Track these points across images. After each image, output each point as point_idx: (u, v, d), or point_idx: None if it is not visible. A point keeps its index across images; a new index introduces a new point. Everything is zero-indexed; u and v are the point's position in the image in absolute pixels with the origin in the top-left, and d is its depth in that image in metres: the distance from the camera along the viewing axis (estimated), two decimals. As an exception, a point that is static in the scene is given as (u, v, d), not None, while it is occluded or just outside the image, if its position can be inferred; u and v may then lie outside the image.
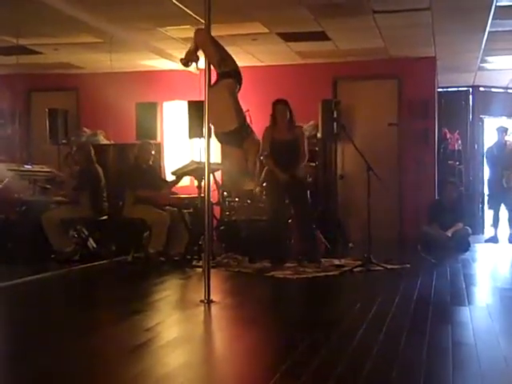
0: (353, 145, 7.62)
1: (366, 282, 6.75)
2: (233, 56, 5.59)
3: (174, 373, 3.40)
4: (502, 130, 10.96)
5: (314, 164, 9.52)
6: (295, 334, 4.27)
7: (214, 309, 5.12)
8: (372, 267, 7.03)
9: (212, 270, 5.50)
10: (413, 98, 10.44)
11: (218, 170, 8.56)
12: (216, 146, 5.78)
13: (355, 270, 6.97)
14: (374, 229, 7.29)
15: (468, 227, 9.74)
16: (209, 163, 5.40)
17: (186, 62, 5.66)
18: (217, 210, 8.90)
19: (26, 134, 11.41)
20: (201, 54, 5.59)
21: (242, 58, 9.66)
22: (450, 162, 11.76)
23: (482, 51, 9.78)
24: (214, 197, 8.27)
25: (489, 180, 11.40)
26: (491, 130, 11.94)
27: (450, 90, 12.49)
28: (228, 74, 5.43)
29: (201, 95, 5.80)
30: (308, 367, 3.40)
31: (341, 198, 10.43)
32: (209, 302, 5.18)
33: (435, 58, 10.28)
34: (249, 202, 8.61)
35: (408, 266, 7.38)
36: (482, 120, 12.73)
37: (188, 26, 8.09)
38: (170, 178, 8.52)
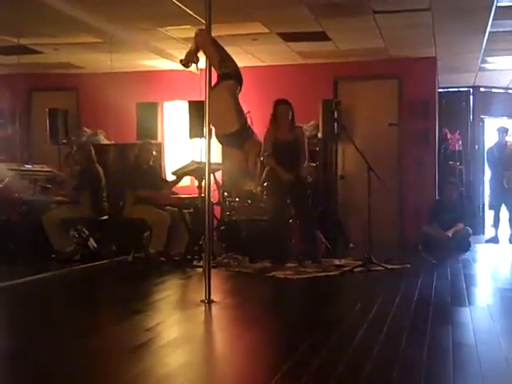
0: (353, 145, 7.62)
1: (367, 282, 6.75)
2: (233, 56, 5.59)
3: (174, 373, 3.40)
4: (503, 131, 10.96)
5: (314, 164, 9.52)
6: (296, 334, 4.27)
7: (214, 309, 5.12)
8: (372, 267, 7.03)
9: (212, 270, 5.49)
10: (413, 98, 10.44)
11: (218, 170, 8.56)
12: (216, 146, 5.78)
13: (356, 270, 6.97)
14: (374, 229, 7.29)
15: (468, 227, 9.74)
16: (209, 163, 5.40)
17: (186, 62, 5.66)
18: (217, 210, 8.90)
19: (26, 133, 11.40)
20: (201, 55, 5.59)
21: (243, 58, 9.66)
22: (450, 162, 11.76)
23: (482, 51, 9.78)
24: (215, 197, 8.28)
25: (489, 180, 11.40)
26: (492, 130, 11.94)
27: (450, 90, 12.49)
28: (229, 75, 5.42)
29: (201, 95, 5.80)
30: (309, 367, 3.40)
31: (341, 198, 10.44)
32: (209, 301, 5.17)
33: (436, 58, 10.28)
34: (249, 201, 8.61)
35: (408, 266, 7.38)
36: (482, 120, 12.73)
37: (188, 26, 8.09)
38: (170, 177, 8.52)
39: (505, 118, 12.40)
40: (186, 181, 9.11)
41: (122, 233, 8.21)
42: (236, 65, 5.53)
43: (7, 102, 10.36)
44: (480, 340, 3.99)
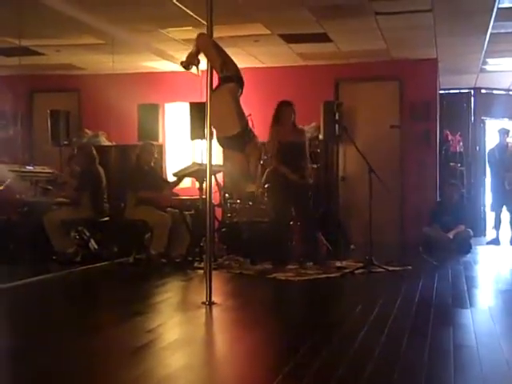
0: (354, 146, 7.63)
1: (368, 283, 6.75)
2: (234, 57, 5.60)
3: (175, 374, 3.40)
4: (504, 132, 10.96)
5: (315, 166, 9.51)
6: (297, 336, 4.27)
7: (215, 311, 5.12)
8: (373, 269, 7.03)
9: (213, 272, 5.49)
10: (414, 99, 10.44)
11: (219, 171, 8.56)
12: (218, 147, 5.78)
13: (357, 271, 6.97)
14: (375, 230, 7.29)
15: (469, 229, 9.73)
16: (210, 165, 5.40)
17: (186, 64, 5.65)
18: (218, 212, 8.90)
19: (27, 135, 11.41)
20: (202, 58, 5.59)
21: (244, 60, 9.68)
22: (451, 163, 11.75)
23: (483, 53, 9.78)
24: (216, 198, 8.28)
25: (490, 182, 11.39)
26: (493, 131, 11.94)
27: (451, 91, 12.49)
28: (230, 78, 5.43)
29: (202, 97, 5.81)
30: (310, 369, 3.40)
31: (342, 200, 10.44)
32: (210, 303, 5.17)
33: (437, 59, 10.28)
34: (250, 203, 8.60)
35: (409, 267, 7.38)
36: (483, 122, 12.73)
37: (190, 28, 8.10)
38: (171, 179, 8.52)
39: (506, 120, 12.40)
40: (187, 182, 9.11)
41: (123, 234, 8.21)
42: (237, 68, 5.54)
43: (9, 104, 10.37)
44: (481, 342, 3.99)
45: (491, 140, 12.09)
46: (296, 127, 7.63)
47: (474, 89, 12.51)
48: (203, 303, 5.17)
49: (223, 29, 7.70)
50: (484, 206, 12.54)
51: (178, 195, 8.47)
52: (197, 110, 8.84)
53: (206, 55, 5.49)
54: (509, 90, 12.54)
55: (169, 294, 6.13)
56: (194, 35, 5.85)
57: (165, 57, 9.94)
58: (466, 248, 9.33)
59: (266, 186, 8.38)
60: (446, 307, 5.22)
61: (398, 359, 3.59)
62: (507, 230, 10.62)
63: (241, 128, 5.45)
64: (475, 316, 4.91)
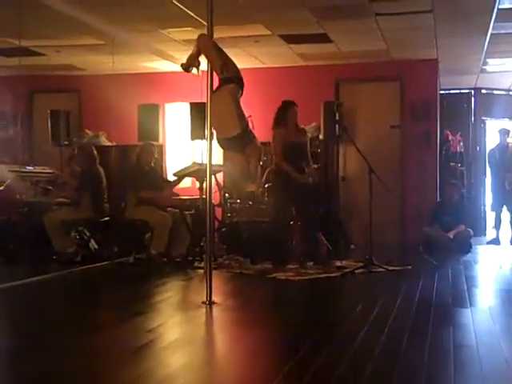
0: (355, 147, 7.63)
1: (368, 283, 6.75)
2: (235, 58, 5.60)
3: (175, 374, 3.41)
4: (504, 132, 10.96)
5: (315, 166, 9.51)
6: (297, 336, 4.27)
7: (215, 310, 5.12)
8: (374, 269, 7.04)
9: (214, 272, 5.49)
10: (415, 100, 10.44)
11: (219, 171, 8.56)
12: (218, 147, 5.79)
13: (357, 271, 6.97)
14: (375, 230, 7.29)
15: (470, 229, 9.74)
16: (211, 165, 5.41)
17: (187, 66, 5.65)
18: (218, 212, 8.91)
19: (28, 135, 11.42)
20: (202, 59, 5.59)
21: (245, 60, 9.68)
22: (451, 163, 11.75)
23: (484, 53, 9.78)
24: (216, 198, 8.28)
25: (491, 182, 11.39)
26: (493, 132, 11.94)
27: (452, 92, 12.49)
28: (230, 79, 5.43)
29: (203, 97, 5.81)
30: (310, 368, 3.40)
31: (342, 200, 10.44)
32: (210, 303, 5.18)
33: (437, 60, 10.28)
34: (250, 203, 8.61)
35: (410, 267, 7.39)
36: (483, 122, 12.73)
37: (190, 28, 8.10)
38: (171, 179, 8.52)
39: (506, 120, 12.39)
40: (188, 182, 9.11)
41: (124, 234, 8.21)
42: (237, 69, 5.54)
43: (9, 104, 10.38)
44: (481, 341, 3.99)
45: (491, 140, 12.09)
46: (298, 127, 7.67)
47: (475, 89, 12.51)
48: (203, 303, 5.18)
49: (223, 29, 7.70)
50: (484, 206, 12.54)
51: (178, 195, 8.47)
52: (197, 110, 8.84)
53: (207, 56, 5.49)
54: (509, 90, 12.54)
55: (169, 294, 6.14)
56: (194, 36, 5.85)
57: (165, 57, 9.94)
58: (466, 248, 9.34)
59: (266, 185, 8.41)
60: (446, 307, 5.22)
61: (398, 359, 3.60)
62: (507, 230, 10.62)
63: (241, 129, 5.45)
64: (475, 315, 4.92)
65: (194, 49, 5.64)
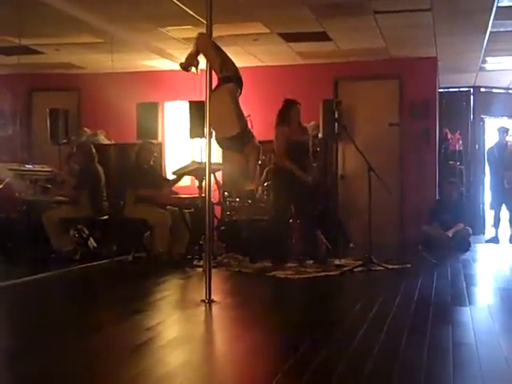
0: (354, 145, 7.63)
1: (367, 282, 6.76)
2: (234, 56, 5.60)
3: (174, 372, 3.40)
4: (503, 131, 10.97)
5: (314, 164, 9.50)
6: (296, 334, 4.27)
7: (214, 309, 5.12)
8: (373, 267, 7.03)
9: (213, 270, 5.49)
10: (414, 98, 10.44)
11: (218, 170, 8.55)
12: (217, 146, 5.78)
13: (356, 269, 6.98)
14: (374, 229, 7.30)
15: (469, 227, 9.75)
16: (210, 163, 5.40)
17: (186, 66, 5.64)
18: (218, 210, 8.91)
19: (27, 133, 11.41)
20: (201, 59, 5.59)
21: (244, 59, 9.68)
22: (450, 162, 11.75)
23: (483, 52, 9.78)
24: (215, 197, 8.28)
25: (490, 180, 11.40)
26: (492, 130, 11.94)
27: (451, 90, 12.49)
28: (229, 78, 5.43)
29: (202, 95, 5.81)
30: (309, 367, 3.40)
31: (341, 198, 10.44)
32: (209, 301, 5.18)
33: (436, 58, 10.28)
34: (249, 201, 8.61)
35: (409, 266, 7.39)
36: (482, 120, 12.73)
37: (189, 26, 8.10)
38: (170, 178, 8.52)
39: (505, 118, 12.40)
40: (187, 181, 9.11)
41: (123, 232, 8.21)
42: (236, 68, 5.54)
43: (8, 103, 10.38)
44: (480, 340, 3.99)
45: (490, 138, 12.09)
46: (301, 126, 7.66)
47: (474, 87, 12.51)
48: (202, 301, 5.18)
49: (223, 27, 7.70)
50: (483, 205, 12.55)
51: (177, 193, 8.46)
52: (196, 108, 8.83)
53: (206, 56, 5.48)
54: (508, 88, 12.54)
55: (168, 292, 6.14)
56: (193, 34, 5.85)
57: (164, 55, 9.94)
58: (465, 246, 9.35)
59: (265, 184, 8.40)
60: (445, 305, 5.22)
61: (397, 357, 3.60)
62: (506, 229, 10.62)
63: (240, 129, 5.45)
64: (474, 314, 4.92)
65: (192, 48, 5.63)
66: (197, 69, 5.70)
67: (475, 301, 5.62)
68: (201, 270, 6.66)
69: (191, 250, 7.77)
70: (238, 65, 5.60)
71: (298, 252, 7.63)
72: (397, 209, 10.42)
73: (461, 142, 12.02)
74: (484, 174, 12.33)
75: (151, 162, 8.23)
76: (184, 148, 10.49)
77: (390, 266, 7.12)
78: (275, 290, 6.40)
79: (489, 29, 8.46)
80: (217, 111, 5.38)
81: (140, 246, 8.11)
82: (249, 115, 6.71)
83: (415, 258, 8.18)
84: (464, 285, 6.24)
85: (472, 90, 12.56)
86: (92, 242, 8.38)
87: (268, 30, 8.71)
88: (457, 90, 12.60)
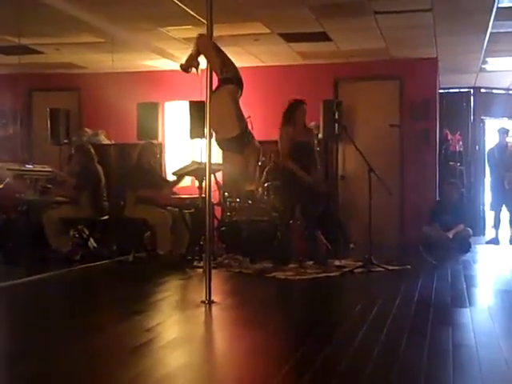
0: (354, 145, 7.62)
1: (367, 283, 6.76)
2: (234, 57, 5.60)
3: (174, 373, 3.40)
4: (504, 132, 10.96)
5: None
6: (296, 335, 4.28)
7: (214, 309, 5.12)
8: (373, 268, 7.03)
9: (213, 271, 5.49)
10: (414, 98, 10.44)
11: (219, 170, 8.56)
12: (217, 146, 5.79)
13: (356, 270, 6.97)
14: (374, 230, 7.30)
15: (469, 228, 9.75)
16: (210, 164, 5.40)
17: (186, 67, 5.64)
18: (218, 211, 8.90)
19: (27, 133, 11.41)
20: (201, 60, 5.59)
21: (244, 59, 9.68)
22: (451, 163, 11.75)
23: (483, 52, 9.78)
24: (215, 197, 8.27)
25: (490, 181, 11.40)
26: (492, 131, 11.94)
27: (451, 91, 12.49)
28: (229, 79, 5.43)
29: (202, 96, 5.81)
30: (309, 368, 3.40)
31: (342, 199, 10.44)
32: (210, 302, 5.17)
33: (437, 59, 10.28)
34: (250, 202, 8.60)
35: (409, 267, 7.38)
36: (483, 121, 12.74)
37: (189, 26, 8.10)
38: (171, 178, 8.52)
39: (505, 119, 12.40)
40: (187, 181, 9.10)
41: (123, 233, 8.21)
42: (237, 69, 5.54)
43: (8, 102, 10.37)
44: (480, 341, 3.99)
45: (491, 139, 12.09)
46: (306, 127, 7.65)
47: (474, 88, 12.51)
48: (202, 302, 5.18)
49: (223, 28, 7.69)
50: (483, 206, 12.55)
51: (177, 194, 8.46)
52: (196, 108, 8.83)
53: (206, 57, 5.48)
54: (508, 89, 12.54)
55: (168, 293, 6.14)
56: (193, 34, 5.84)
57: (164, 55, 9.94)
58: (466, 247, 9.34)
59: (265, 184, 8.40)
60: (445, 306, 5.22)
61: (397, 358, 3.60)
62: (506, 230, 10.62)
63: (240, 130, 5.45)
64: (474, 315, 4.92)
65: (193, 49, 5.62)
66: (197, 70, 5.70)
67: (475, 302, 5.62)
68: (201, 270, 6.65)
69: (191, 251, 7.77)
70: (238, 65, 5.60)
71: (298, 253, 7.62)
72: (397, 210, 10.42)
73: (461, 142, 12.02)
74: (484, 174, 12.33)
75: (152, 163, 8.22)
76: (184, 148, 10.48)
77: (390, 267, 7.12)
78: (275, 291, 6.39)
79: (489, 29, 8.46)
80: (217, 112, 5.38)
81: (140, 247, 8.11)
82: (249, 116, 6.71)
83: (415, 259, 8.18)
84: (464, 286, 6.24)
85: (472, 90, 12.56)
86: (92, 243, 8.38)
87: (268, 30, 8.71)
88: (457, 90, 12.60)
